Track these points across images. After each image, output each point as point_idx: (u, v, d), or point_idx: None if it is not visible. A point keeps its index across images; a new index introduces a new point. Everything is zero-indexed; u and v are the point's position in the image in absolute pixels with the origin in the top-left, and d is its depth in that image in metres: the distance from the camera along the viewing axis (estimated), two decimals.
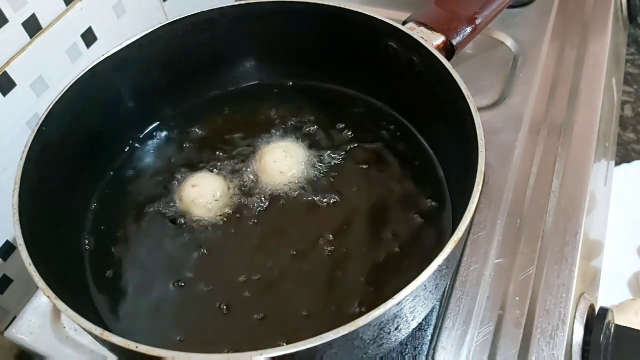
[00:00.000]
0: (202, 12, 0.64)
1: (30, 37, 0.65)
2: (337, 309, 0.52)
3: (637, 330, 0.57)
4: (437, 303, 0.57)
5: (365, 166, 0.63)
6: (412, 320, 0.46)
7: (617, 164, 1.02)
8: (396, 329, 0.44)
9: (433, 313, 0.57)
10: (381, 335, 0.43)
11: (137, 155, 0.66)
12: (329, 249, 0.56)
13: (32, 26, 0.65)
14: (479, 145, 0.47)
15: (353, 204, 0.59)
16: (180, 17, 0.63)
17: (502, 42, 0.84)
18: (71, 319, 0.41)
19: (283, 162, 0.62)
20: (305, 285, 0.54)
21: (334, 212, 0.59)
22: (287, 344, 0.36)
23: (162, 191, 0.62)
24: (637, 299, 0.87)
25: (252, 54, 0.71)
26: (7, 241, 0.70)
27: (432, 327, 0.56)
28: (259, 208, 0.60)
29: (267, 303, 0.53)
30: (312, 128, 0.67)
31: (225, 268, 0.56)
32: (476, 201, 0.43)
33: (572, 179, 0.67)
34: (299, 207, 0.60)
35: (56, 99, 0.55)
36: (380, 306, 0.38)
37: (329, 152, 0.64)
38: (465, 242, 0.61)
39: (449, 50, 0.60)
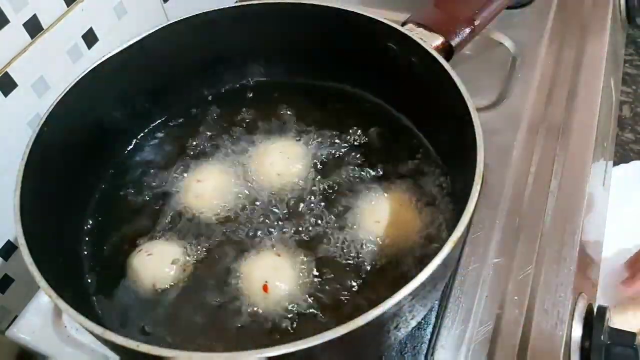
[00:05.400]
0: (202, 13, 0.64)
1: (32, 37, 0.66)
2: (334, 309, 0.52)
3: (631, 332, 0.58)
4: (436, 302, 0.58)
5: (364, 166, 0.63)
6: (412, 319, 0.46)
7: (615, 164, 1.02)
8: (396, 328, 0.44)
9: (432, 312, 0.57)
10: (381, 334, 0.43)
11: (138, 155, 0.67)
12: (327, 249, 0.56)
13: (33, 27, 0.65)
14: (477, 145, 0.47)
15: (351, 204, 0.60)
16: (181, 18, 0.63)
17: (501, 43, 0.85)
18: (73, 319, 0.41)
19: (280, 163, 0.62)
20: (305, 285, 0.54)
21: (333, 213, 0.59)
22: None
23: (163, 190, 0.63)
24: (635, 299, 0.87)
25: (252, 55, 0.71)
26: (9, 241, 0.70)
27: (431, 326, 0.57)
28: (258, 208, 0.60)
29: (268, 304, 0.53)
30: (311, 128, 0.67)
31: (226, 269, 0.56)
32: (475, 201, 0.44)
33: (571, 179, 0.67)
34: (298, 207, 0.60)
35: (57, 100, 0.55)
36: (380, 305, 0.38)
37: (328, 152, 0.64)
38: (464, 241, 0.61)
39: (447, 51, 0.61)
